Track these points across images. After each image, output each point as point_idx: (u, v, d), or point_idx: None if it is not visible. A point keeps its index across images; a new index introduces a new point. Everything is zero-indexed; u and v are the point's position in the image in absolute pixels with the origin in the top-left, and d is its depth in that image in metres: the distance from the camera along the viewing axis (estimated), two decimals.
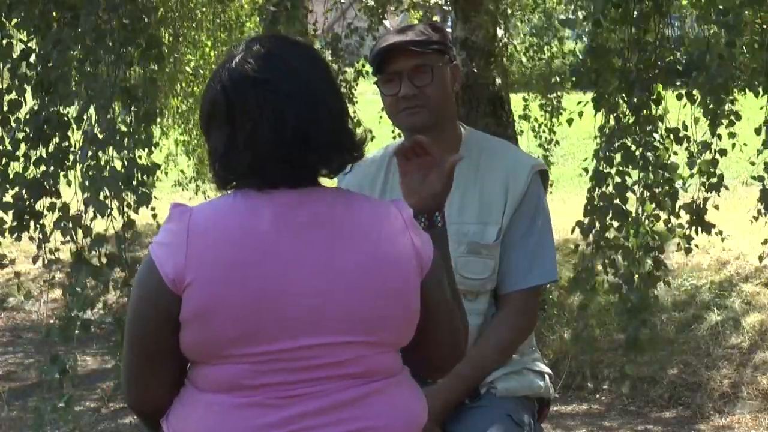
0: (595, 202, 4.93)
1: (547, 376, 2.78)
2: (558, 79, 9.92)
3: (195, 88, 9.69)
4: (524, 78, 10.14)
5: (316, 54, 1.95)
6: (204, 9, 9.46)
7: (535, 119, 9.68)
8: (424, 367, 2.05)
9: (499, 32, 7.58)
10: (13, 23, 4.53)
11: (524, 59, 10.31)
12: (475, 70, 7.35)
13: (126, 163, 4.51)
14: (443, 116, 2.65)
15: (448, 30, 7.29)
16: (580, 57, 11.07)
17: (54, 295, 9.12)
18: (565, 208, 10.44)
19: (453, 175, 2.21)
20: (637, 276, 4.94)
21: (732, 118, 5.34)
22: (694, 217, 5.17)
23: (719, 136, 5.20)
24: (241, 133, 1.85)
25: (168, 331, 1.85)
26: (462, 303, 2.09)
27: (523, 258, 2.65)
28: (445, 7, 8.25)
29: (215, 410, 1.86)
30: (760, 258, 6.11)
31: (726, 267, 7.66)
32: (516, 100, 9.05)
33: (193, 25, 9.31)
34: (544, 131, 9.71)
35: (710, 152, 5.17)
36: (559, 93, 9.82)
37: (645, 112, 4.87)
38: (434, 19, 8.70)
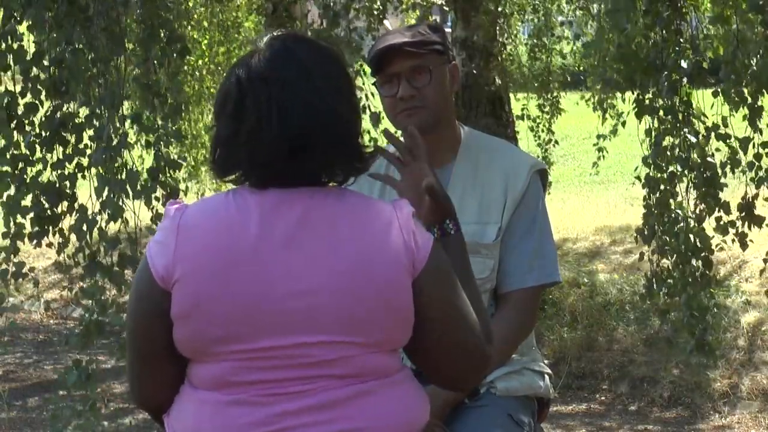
0: (653, 209, 4.95)
1: (547, 376, 2.78)
2: (558, 81, 9.94)
3: (194, 88, 9.67)
4: (523, 78, 10.15)
5: (337, 60, 1.95)
6: (202, 9, 9.45)
7: (534, 120, 9.68)
8: (439, 378, 2.00)
9: (499, 33, 7.59)
10: (25, 25, 4.52)
11: (524, 59, 10.32)
12: (475, 71, 7.35)
13: (153, 158, 4.54)
14: (442, 117, 2.64)
15: (448, 30, 7.29)
16: (582, 56, 11.09)
17: (53, 295, 9.12)
18: (565, 209, 10.45)
19: (434, 192, 2.18)
20: (686, 276, 4.96)
21: None
22: (743, 213, 5.17)
23: (760, 131, 5.20)
24: (246, 127, 1.87)
25: (162, 328, 1.87)
26: (485, 311, 2.03)
27: (523, 257, 2.65)
28: (444, 8, 8.24)
29: (206, 407, 1.87)
30: (761, 272, 6.08)
31: (726, 266, 7.66)
32: (515, 101, 9.06)
33: (192, 24, 9.30)
34: (542, 131, 9.72)
35: (753, 147, 5.16)
36: (556, 93, 9.83)
37: (680, 115, 4.88)
38: (433, 19, 8.68)
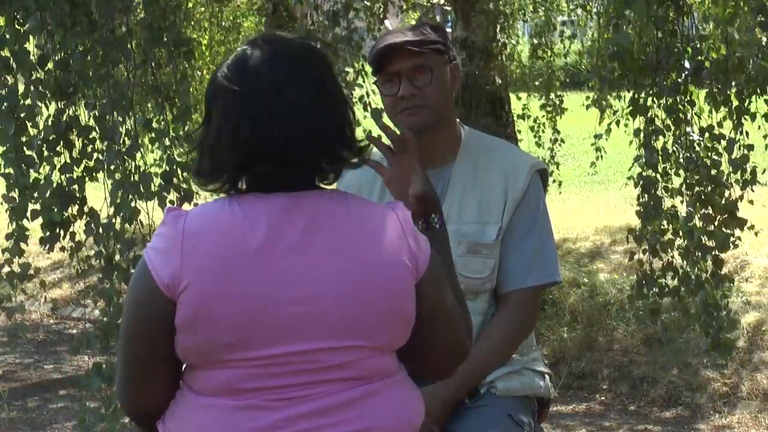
0: (647, 208, 4.96)
1: (547, 376, 2.78)
2: (558, 80, 9.92)
3: (195, 89, 9.67)
4: (524, 78, 10.14)
5: (311, 63, 1.90)
6: (202, 9, 9.45)
7: (535, 120, 9.67)
8: (425, 372, 2.05)
9: (499, 33, 7.59)
10: (28, 28, 4.50)
11: (524, 59, 10.31)
12: (475, 71, 7.35)
13: (166, 161, 4.54)
14: (443, 116, 2.64)
15: (448, 30, 7.29)
16: (586, 57, 11.07)
17: (53, 295, 9.12)
18: (565, 209, 10.45)
19: (420, 197, 2.21)
20: (696, 276, 4.96)
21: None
22: (726, 215, 5.18)
23: (747, 133, 5.21)
24: (215, 132, 1.86)
25: (163, 336, 1.85)
26: (466, 305, 2.08)
27: (524, 257, 2.65)
28: (445, 8, 8.24)
29: (212, 413, 1.86)
30: None
31: (725, 266, 7.65)
32: (515, 100, 9.05)
33: (192, 24, 9.29)
34: (543, 131, 9.70)
35: (738, 149, 5.18)
36: (560, 93, 9.82)
37: (681, 115, 4.89)
38: (433, 19, 8.68)
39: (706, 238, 4.94)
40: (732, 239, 5.14)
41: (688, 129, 4.92)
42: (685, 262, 5.02)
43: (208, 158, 1.89)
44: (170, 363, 1.89)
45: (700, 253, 4.94)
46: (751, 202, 5.48)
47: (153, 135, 4.67)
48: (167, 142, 4.62)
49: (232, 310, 1.81)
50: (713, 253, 4.97)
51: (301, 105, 1.85)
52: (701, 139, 4.95)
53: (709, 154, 5.00)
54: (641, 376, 6.68)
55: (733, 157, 5.11)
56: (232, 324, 1.81)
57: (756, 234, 6.17)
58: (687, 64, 4.84)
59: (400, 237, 1.89)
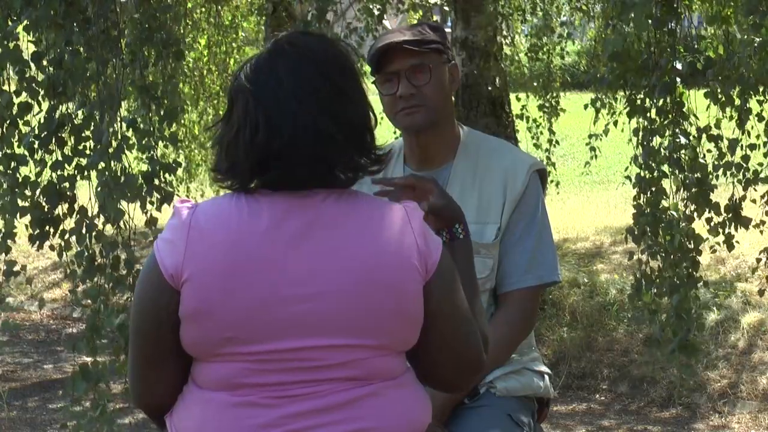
0: (643, 209, 4.96)
1: (546, 376, 2.78)
2: (557, 81, 9.92)
3: (194, 88, 9.67)
4: (523, 78, 10.14)
5: (332, 68, 1.90)
6: (201, 10, 9.45)
7: (534, 120, 9.67)
8: (431, 380, 2.00)
9: (498, 33, 7.59)
10: (21, 26, 4.50)
11: (524, 59, 10.31)
12: (475, 71, 7.35)
13: (148, 161, 4.52)
14: (442, 116, 2.64)
15: (448, 30, 7.29)
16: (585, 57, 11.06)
17: (53, 295, 9.12)
18: (565, 209, 10.45)
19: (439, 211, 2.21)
20: (678, 277, 4.96)
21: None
22: (730, 214, 5.18)
23: (748, 133, 5.22)
24: (244, 133, 1.86)
25: (168, 326, 1.86)
26: (484, 318, 2.05)
27: (523, 257, 2.65)
28: (444, 8, 8.24)
29: (212, 408, 1.87)
30: (754, 270, 6.09)
31: (725, 266, 7.66)
32: (514, 101, 9.05)
33: (189, 24, 9.29)
34: (542, 132, 9.70)
35: (741, 149, 5.18)
36: (556, 94, 9.82)
37: (671, 115, 4.89)
38: (434, 19, 8.68)
39: (687, 241, 4.95)
40: (717, 240, 5.17)
41: (677, 130, 4.92)
42: (661, 264, 5.02)
43: (225, 156, 1.90)
44: (177, 357, 1.90)
45: (680, 255, 4.94)
46: (754, 201, 5.48)
47: (138, 136, 4.65)
48: (152, 142, 4.60)
49: (233, 305, 1.82)
50: (691, 255, 4.97)
51: (317, 112, 1.85)
52: (688, 141, 4.95)
53: (699, 153, 5.00)
54: (641, 376, 6.68)
55: (735, 156, 5.11)
56: (233, 319, 1.82)
57: (761, 232, 6.18)
58: (678, 65, 4.84)
59: (408, 236, 1.88)
